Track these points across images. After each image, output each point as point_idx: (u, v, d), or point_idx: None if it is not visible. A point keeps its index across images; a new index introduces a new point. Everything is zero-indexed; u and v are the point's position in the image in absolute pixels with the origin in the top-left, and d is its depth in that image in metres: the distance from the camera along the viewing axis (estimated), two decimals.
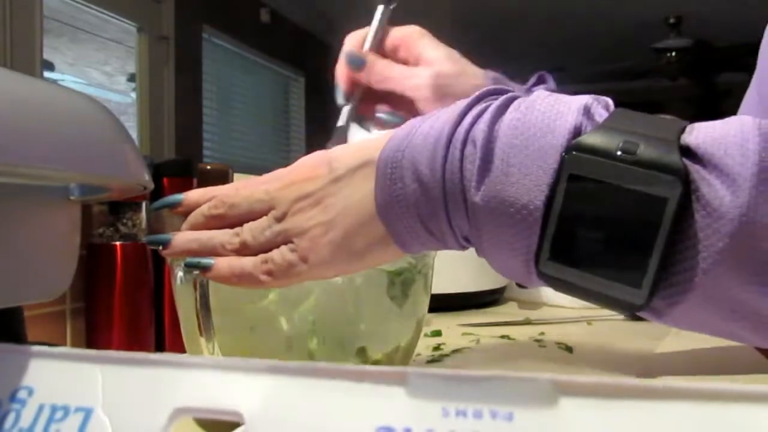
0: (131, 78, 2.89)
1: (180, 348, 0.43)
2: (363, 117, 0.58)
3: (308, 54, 3.93)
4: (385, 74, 0.54)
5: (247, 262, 0.35)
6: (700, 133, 0.30)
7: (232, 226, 0.36)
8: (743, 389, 0.16)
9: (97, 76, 2.73)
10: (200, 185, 0.57)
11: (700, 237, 0.28)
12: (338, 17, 3.60)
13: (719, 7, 3.81)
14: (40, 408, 0.22)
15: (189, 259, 0.36)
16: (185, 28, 3.08)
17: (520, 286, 0.81)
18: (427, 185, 0.32)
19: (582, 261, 0.30)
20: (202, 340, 0.38)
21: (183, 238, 0.37)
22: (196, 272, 0.36)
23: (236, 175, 0.75)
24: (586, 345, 0.61)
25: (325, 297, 0.41)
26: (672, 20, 4.09)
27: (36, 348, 0.23)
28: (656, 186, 0.28)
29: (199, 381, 0.21)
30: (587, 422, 0.17)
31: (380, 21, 0.55)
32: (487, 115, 0.32)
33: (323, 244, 0.34)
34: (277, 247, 0.35)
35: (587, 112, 0.31)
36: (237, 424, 0.20)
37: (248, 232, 0.35)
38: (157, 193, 0.59)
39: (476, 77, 0.54)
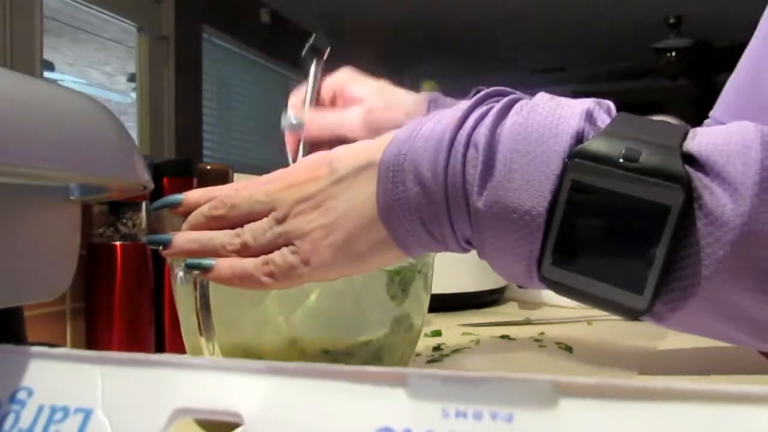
0: (131, 78, 2.89)
1: (180, 348, 0.43)
2: None
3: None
4: (320, 124, 0.56)
5: (248, 264, 0.35)
6: (703, 140, 0.30)
7: (232, 227, 0.36)
8: (745, 390, 0.16)
9: (97, 76, 2.73)
10: (200, 185, 0.57)
11: (701, 244, 0.28)
12: (338, 17, 3.60)
13: (719, 7, 3.81)
14: (40, 409, 0.22)
15: (190, 260, 0.36)
16: (185, 28, 3.08)
17: (520, 286, 0.81)
18: (429, 189, 0.32)
19: (584, 266, 0.30)
20: (202, 340, 0.38)
21: (183, 238, 0.37)
22: (196, 272, 0.36)
23: (236, 175, 0.75)
24: (586, 345, 0.61)
25: (325, 297, 0.41)
26: (672, 20, 4.09)
27: (35, 349, 0.23)
28: (659, 194, 0.28)
29: (199, 382, 0.21)
30: (587, 423, 0.17)
31: (314, 75, 0.58)
32: (489, 119, 0.32)
33: (324, 247, 0.34)
34: (278, 248, 0.35)
35: (589, 116, 0.31)
36: (237, 425, 0.20)
37: (249, 233, 0.35)
38: (157, 193, 0.59)
39: (407, 105, 0.55)
